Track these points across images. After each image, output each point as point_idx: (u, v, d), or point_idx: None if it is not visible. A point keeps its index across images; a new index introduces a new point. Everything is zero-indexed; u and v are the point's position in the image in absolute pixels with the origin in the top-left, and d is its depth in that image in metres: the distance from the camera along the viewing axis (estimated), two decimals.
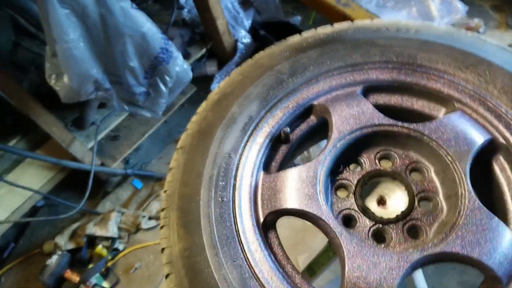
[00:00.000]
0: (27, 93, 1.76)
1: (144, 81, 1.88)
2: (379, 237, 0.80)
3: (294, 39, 1.02)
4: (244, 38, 2.56)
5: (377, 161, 0.88)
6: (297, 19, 2.88)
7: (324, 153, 0.83)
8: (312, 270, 1.27)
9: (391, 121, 0.86)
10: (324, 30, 1.01)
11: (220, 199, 0.77)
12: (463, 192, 0.76)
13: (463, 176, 0.77)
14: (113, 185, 2.44)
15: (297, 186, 0.79)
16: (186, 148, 0.87)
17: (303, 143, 0.97)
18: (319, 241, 1.34)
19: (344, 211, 0.82)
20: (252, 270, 0.70)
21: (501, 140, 0.82)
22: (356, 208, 0.82)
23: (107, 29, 1.59)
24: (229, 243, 0.73)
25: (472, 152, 0.80)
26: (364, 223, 0.80)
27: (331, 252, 1.21)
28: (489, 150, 0.83)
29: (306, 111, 0.93)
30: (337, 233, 0.73)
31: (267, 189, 0.81)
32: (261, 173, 0.84)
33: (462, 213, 0.73)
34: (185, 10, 2.52)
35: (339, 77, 0.94)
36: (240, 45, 2.53)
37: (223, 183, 0.80)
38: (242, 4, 2.61)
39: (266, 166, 0.87)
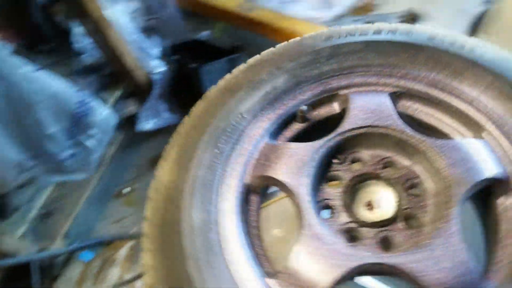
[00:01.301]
0: None
1: (68, 143, 1.73)
2: (350, 234, 0.81)
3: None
4: (158, 67, 2.39)
5: (379, 164, 0.87)
6: (205, 34, 2.74)
7: (328, 137, 0.86)
8: None
9: (406, 128, 0.85)
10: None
11: (217, 150, 0.85)
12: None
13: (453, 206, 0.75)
14: (59, 267, 2.09)
15: (289, 159, 0.83)
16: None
17: (319, 129, 0.98)
18: None
19: (326, 201, 0.84)
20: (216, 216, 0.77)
21: None
22: (339, 202, 0.84)
23: (14, 103, 1.44)
24: (208, 189, 0.80)
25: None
26: (341, 218, 0.82)
27: None
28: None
29: (330, 97, 0.94)
30: (303, 210, 0.77)
31: (263, 154, 0.86)
32: (266, 140, 0.88)
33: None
34: (85, 54, 2.32)
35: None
36: (155, 76, 2.37)
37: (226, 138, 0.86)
38: (145, 33, 2.42)
39: (274, 137, 0.91)
